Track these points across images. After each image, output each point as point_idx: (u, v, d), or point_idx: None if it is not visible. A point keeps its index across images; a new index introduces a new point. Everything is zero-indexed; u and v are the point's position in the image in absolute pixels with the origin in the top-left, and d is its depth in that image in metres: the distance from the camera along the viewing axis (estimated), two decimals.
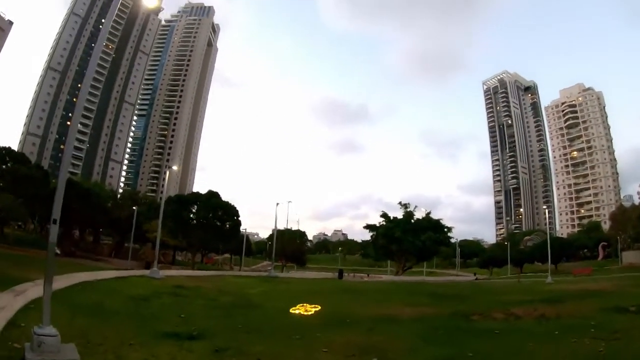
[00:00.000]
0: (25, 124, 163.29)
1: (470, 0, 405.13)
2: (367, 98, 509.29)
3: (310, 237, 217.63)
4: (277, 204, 68.97)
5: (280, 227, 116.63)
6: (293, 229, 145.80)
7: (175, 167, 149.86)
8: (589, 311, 21.01)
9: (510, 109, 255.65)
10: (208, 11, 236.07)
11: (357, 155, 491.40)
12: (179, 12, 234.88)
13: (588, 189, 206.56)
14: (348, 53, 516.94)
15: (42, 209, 68.70)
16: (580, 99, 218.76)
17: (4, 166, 74.46)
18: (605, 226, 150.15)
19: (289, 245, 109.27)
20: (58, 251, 51.61)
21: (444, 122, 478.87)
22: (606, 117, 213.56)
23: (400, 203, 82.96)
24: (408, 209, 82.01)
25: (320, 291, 33.04)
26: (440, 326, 17.04)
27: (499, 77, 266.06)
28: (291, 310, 19.85)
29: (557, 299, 27.78)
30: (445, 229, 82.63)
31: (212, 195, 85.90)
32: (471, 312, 21.57)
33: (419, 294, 33.17)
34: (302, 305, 19.23)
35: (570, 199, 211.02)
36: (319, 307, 19.72)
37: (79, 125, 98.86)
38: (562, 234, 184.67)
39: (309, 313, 20.19)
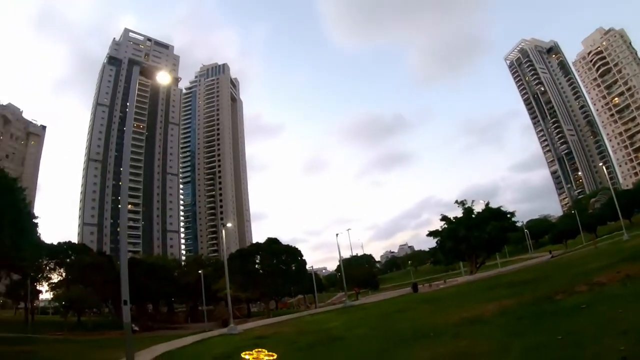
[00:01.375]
0: (79, 216, 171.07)
1: None
2: (400, 107, 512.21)
3: (377, 258, 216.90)
4: (337, 234, 69.52)
5: (346, 255, 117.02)
6: (359, 254, 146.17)
7: (229, 224, 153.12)
8: None
9: (539, 75, 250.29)
10: (223, 69, 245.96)
11: (405, 165, 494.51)
12: (196, 77, 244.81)
13: None
14: (368, 69, 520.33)
15: (113, 293, 70.71)
16: (604, 43, 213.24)
17: (68, 260, 77.03)
18: None
19: (358, 271, 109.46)
20: (136, 328, 53.23)
21: (481, 108, 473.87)
22: (636, 53, 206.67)
23: (457, 202, 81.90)
24: (466, 205, 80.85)
25: (398, 310, 32.68)
26: (525, 315, 16.65)
27: (519, 48, 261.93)
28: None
29: (639, 255, 26.75)
30: (508, 215, 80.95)
31: (272, 242, 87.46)
32: (553, 291, 21.04)
33: (498, 287, 32.50)
34: None
35: (626, 147, 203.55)
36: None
37: (128, 206, 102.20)
38: (627, 186, 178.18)
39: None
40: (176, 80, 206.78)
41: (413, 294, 56.66)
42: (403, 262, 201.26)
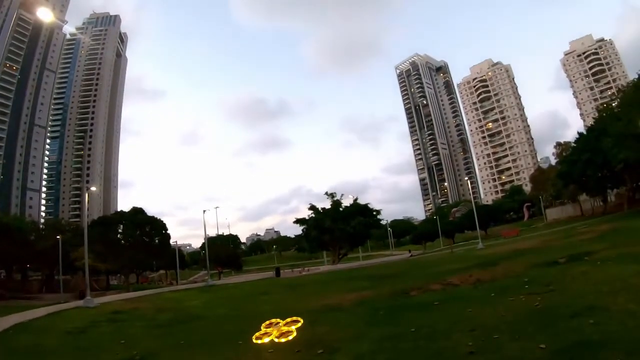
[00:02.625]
0: None
1: None
2: (287, 93, 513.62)
3: (243, 240, 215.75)
4: (205, 211, 66.67)
5: (212, 234, 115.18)
6: (225, 234, 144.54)
7: (94, 188, 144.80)
8: (522, 269, 22.13)
9: (424, 89, 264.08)
10: (114, 20, 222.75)
11: (282, 151, 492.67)
12: (84, 23, 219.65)
13: (506, 156, 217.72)
14: (264, 50, 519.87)
15: None
16: (490, 73, 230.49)
17: None
18: (527, 188, 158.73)
19: (223, 251, 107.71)
20: None
21: (364, 108, 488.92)
22: (516, 88, 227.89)
23: (326, 193, 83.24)
24: (335, 198, 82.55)
25: (261, 293, 32.85)
26: (382, 307, 17.45)
27: (410, 61, 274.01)
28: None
29: (491, 262, 28.92)
30: (374, 212, 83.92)
31: (137, 212, 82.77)
32: (410, 288, 22.22)
33: (358, 278, 33.67)
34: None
35: (491, 167, 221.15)
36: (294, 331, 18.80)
37: None
38: (487, 201, 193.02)
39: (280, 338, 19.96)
40: (61, 22, 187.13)
41: (275, 278, 57.01)
42: (268, 246, 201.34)
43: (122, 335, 19.18)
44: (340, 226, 77.16)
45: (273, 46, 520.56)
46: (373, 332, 12.59)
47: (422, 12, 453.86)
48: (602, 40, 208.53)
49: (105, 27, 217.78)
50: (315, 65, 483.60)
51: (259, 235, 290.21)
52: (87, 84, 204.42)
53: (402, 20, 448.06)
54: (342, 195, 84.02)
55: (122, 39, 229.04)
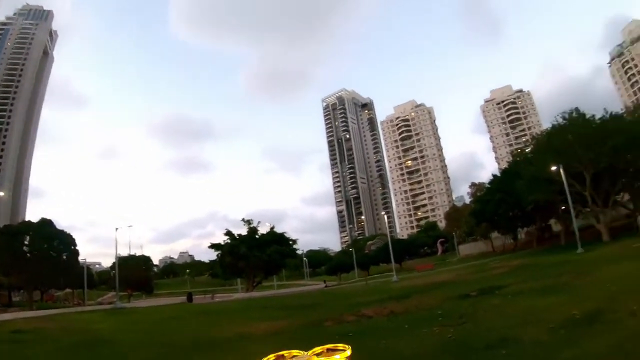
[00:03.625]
0: None
1: (320, 23, 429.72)
2: (214, 115, 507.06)
3: (156, 262, 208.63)
4: (117, 228, 63.06)
5: (123, 253, 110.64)
6: (137, 254, 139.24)
7: (2, 193, 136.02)
8: (435, 302, 22.36)
9: (348, 124, 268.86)
10: (47, 15, 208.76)
11: (202, 173, 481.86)
12: (15, 14, 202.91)
13: (423, 193, 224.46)
14: (196, 68, 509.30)
15: None
16: (413, 114, 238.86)
17: None
18: (441, 225, 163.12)
19: (134, 272, 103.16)
20: None
21: (289, 138, 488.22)
22: (436, 129, 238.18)
23: (243, 220, 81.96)
24: (252, 225, 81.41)
25: (173, 317, 31.39)
26: (295, 337, 16.99)
27: (337, 95, 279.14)
28: None
29: (405, 295, 29.16)
30: (290, 241, 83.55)
31: (45, 223, 76.87)
32: (324, 318, 21.84)
33: (272, 307, 33.05)
34: None
35: (408, 203, 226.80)
36: None
37: None
38: (402, 236, 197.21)
39: None
40: None
41: (188, 303, 55.07)
42: (181, 270, 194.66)
43: (22, 357, 17.63)
44: (256, 253, 76.05)
45: (206, 66, 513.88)
46: None
47: (354, 50, 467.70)
48: (520, 91, 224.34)
49: (37, 21, 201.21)
50: (246, 90, 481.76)
51: (172, 258, 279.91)
52: (9, 78, 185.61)
53: (335, 56, 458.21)
54: (259, 222, 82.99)
55: (52, 35, 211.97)
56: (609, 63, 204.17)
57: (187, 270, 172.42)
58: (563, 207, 61.07)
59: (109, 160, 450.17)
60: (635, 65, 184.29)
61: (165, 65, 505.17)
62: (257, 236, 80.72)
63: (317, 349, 6.51)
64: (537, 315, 13.73)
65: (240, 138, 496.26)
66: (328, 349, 6.48)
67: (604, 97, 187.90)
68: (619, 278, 18.81)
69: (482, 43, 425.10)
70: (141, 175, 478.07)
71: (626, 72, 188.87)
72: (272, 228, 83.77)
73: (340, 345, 6.76)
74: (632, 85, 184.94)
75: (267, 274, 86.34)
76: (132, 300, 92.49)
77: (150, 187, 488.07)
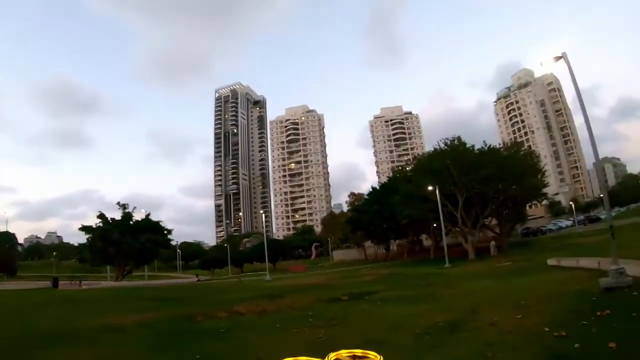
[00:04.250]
0: None
1: (231, 13, 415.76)
2: (104, 88, 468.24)
3: (21, 241, 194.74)
4: None
5: None
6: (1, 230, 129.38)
7: None
8: (307, 303, 22.91)
9: (238, 119, 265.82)
10: None
11: (80, 149, 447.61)
12: None
13: (303, 197, 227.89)
14: (92, 33, 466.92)
15: None
16: (303, 118, 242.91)
17: None
18: (318, 229, 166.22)
19: None
20: None
21: (177, 124, 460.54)
22: (324, 137, 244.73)
23: (118, 203, 78.09)
24: (127, 210, 77.94)
25: (36, 304, 29.23)
26: (166, 331, 16.65)
27: (232, 88, 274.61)
28: None
29: (277, 295, 29.59)
30: (165, 231, 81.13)
31: None
32: (195, 313, 21.60)
33: (142, 299, 31.90)
34: None
35: (287, 205, 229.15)
36: None
37: None
38: (278, 236, 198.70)
39: None
40: None
41: (53, 289, 51.74)
42: (48, 252, 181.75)
43: None
44: (129, 240, 72.83)
45: (103, 34, 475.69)
46: (156, 358, 11.93)
47: (259, 48, 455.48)
48: (409, 113, 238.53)
49: None
50: (140, 68, 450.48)
51: (39, 238, 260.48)
52: None
53: (239, 50, 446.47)
54: (135, 208, 79.39)
55: None
56: (495, 101, 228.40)
57: (55, 253, 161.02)
58: (435, 225, 64.81)
59: None
60: (518, 108, 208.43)
61: (58, 26, 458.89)
62: (131, 222, 77.44)
63: (344, 352, 6.39)
64: (404, 321, 14.55)
65: (127, 117, 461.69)
66: (356, 356, 6.35)
67: (486, 131, 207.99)
68: (480, 292, 20.36)
69: (381, 63, 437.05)
70: (13, 144, 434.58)
71: (509, 113, 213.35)
72: (147, 215, 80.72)
73: (371, 354, 6.64)
74: (512, 125, 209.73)
75: (138, 263, 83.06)
76: None
77: (22, 158, 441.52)
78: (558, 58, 17.46)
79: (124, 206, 78.11)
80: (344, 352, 6.64)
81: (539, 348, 8.84)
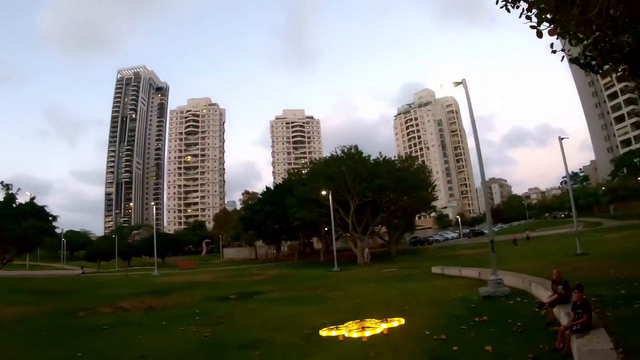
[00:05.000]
0: None
1: None
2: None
3: None
4: None
5: None
6: None
7: None
8: (195, 301, 23.05)
9: (138, 103, 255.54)
10: None
11: None
12: None
13: (197, 191, 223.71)
14: None
15: None
16: (204, 111, 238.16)
17: None
18: (210, 226, 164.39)
19: None
20: None
21: (73, 102, 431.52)
22: (223, 132, 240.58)
23: (1, 183, 73.19)
24: (10, 191, 72.99)
25: None
26: (46, 326, 16.28)
27: (135, 70, 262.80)
28: None
29: (165, 291, 29.37)
30: (50, 217, 76.88)
31: None
32: (78, 308, 21.28)
33: (22, 291, 30.57)
34: None
35: (180, 198, 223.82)
36: None
37: None
38: (169, 230, 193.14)
39: None
40: None
41: None
42: None
43: None
44: (10, 225, 68.13)
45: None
46: (34, 355, 11.64)
47: (171, 33, 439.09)
48: (311, 117, 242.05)
49: None
50: (40, 35, 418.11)
51: None
52: None
53: (150, 31, 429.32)
54: (19, 190, 74.26)
55: None
56: (395, 116, 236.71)
57: None
58: (326, 229, 66.14)
59: None
60: (417, 124, 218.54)
61: None
62: (14, 205, 72.69)
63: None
64: (292, 320, 15.14)
65: (20, 87, 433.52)
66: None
67: (384, 143, 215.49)
68: (366, 295, 21.41)
69: (289, 66, 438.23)
70: None
71: (407, 128, 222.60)
72: (32, 199, 75.78)
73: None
74: (409, 140, 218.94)
75: (20, 251, 77.43)
76: None
77: None
78: (457, 83, 18.64)
79: (7, 187, 73.00)
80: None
81: (419, 350, 9.52)
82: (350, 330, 6.01)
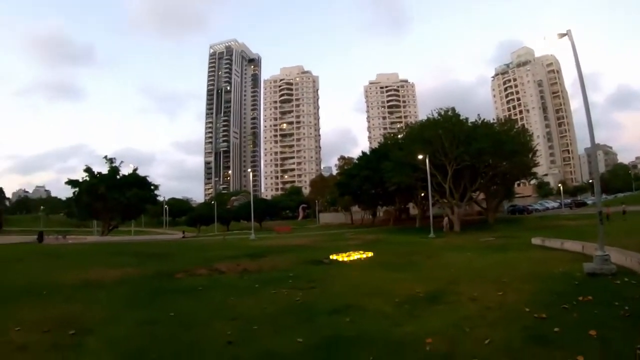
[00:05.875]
0: None
1: None
2: (95, 39, 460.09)
3: (9, 195, 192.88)
4: None
5: None
6: None
7: None
8: (288, 264, 22.85)
9: (231, 76, 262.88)
10: None
11: (72, 101, 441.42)
12: None
13: (293, 157, 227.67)
14: None
15: None
16: (297, 79, 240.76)
17: None
18: (306, 191, 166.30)
19: None
20: None
21: (170, 79, 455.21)
22: (317, 99, 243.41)
23: (105, 157, 77.27)
24: (114, 164, 77.11)
25: (16, 259, 28.70)
26: (144, 287, 16.47)
27: (226, 44, 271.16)
28: None
29: (260, 254, 29.57)
30: (152, 187, 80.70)
31: None
32: (176, 270, 21.53)
33: (124, 254, 31.69)
34: None
35: (276, 165, 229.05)
36: None
37: None
38: (267, 196, 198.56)
39: None
40: None
41: (38, 243, 51.10)
42: (36, 206, 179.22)
43: None
44: (115, 195, 72.38)
45: None
46: (130, 314, 11.66)
47: (256, 3, 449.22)
48: (405, 81, 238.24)
49: None
50: (133, 19, 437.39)
51: (27, 192, 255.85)
52: None
53: (235, 4, 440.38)
54: (122, 162, 78.67)
55: None
56: (492, 77, 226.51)
57: (42, 207, 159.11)
58: (422, 194, 64.83)
59: None
60: (515, 86, 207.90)
61: None
62: (118, 176, 76.87)
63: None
64: (384, 287, 14.40)
65: (120, 70, 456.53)
66: None
67: (481, 106, 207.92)
68: (462, 264, 20.24)
69: (381, 30, 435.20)
70: (1, 92, 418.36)
71: (505, 90, 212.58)
72: (135, 170, 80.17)
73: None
74: (508, 102, 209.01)
75: (124, 218, 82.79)
76: None
77: (10, 109, 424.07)
78: (562, 35, 17.01)
79: (111, 160, 77.47)
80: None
81: (517, 327, 8.67)
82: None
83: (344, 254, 25.83)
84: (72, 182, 76.31)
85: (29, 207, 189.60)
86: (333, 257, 25.20)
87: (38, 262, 26.96)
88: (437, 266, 20.44)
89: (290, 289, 14.81)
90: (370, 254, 26.21)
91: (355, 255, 25.45)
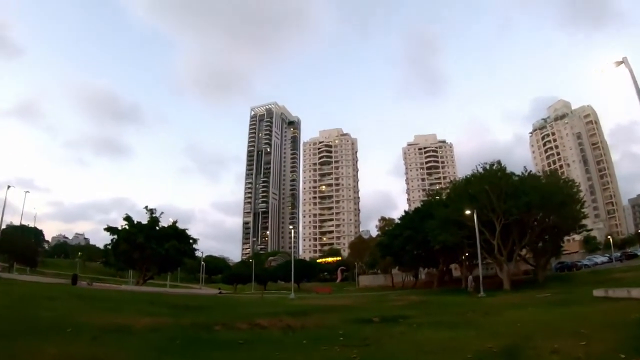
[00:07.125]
0: None
1: (271, 31, 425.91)
2: (141, 99, 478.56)
3: (48, 238, 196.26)
4: (9, 187, 56.17)
5: (15, 222, 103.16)
6: (30, 225, 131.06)
7: None
8: (334, 322, 21.32)
9: (271, 138, 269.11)
10: None
11: (117, 157, 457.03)
12: None
13: (332, 220, 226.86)
14: (135, 46, 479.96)
15: None
16: (337, 141, 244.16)
17: None
18: (344, 253, 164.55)
19: (21, 243, 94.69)
20: None
21: (212, 139, 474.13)
22: (356, 161, 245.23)
23: (146, 207, 77.11)
24: (154, 215, 77.09)
25: (46, 296, 28.14)
26: (179, 337, 15.26)
27: (267, 107, 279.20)
28: None
29: (302, 312, 28.24)
30: (191, 240, 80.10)
31: None
32: (214, 322, 20.34)
33: (159, 304, 30.89)
34: None
35: (315, 227, 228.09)
36: None
37: None
38: (304, 258, 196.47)
39: None
40: None
41: (71, 285, 51.08)
42: (74, 252, 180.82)
43: None
44: (153, 245, 71.91)
45: (144, 44, 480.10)
46: None
47: (297, 67, 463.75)
48: (443, 141, 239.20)
49: None
50: (179, 81, 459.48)
51: (66, 238, 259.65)
52: None
53: (276, 68, 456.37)
54: (162, 213, 78.53)
55: None
56: (530, 133, 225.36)
57: (79, 253, 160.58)
58: (467, 253, 62.61)
59: (22, 118, 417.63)
60: (554, 140, 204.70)
61: (104, 35, 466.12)
62: (157, 227, 76.60)
63: None
64: (448, 344, 13.10)
65: (164, 129, 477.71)
66: None
67: (519, 163, 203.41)
68: (527, 320, 18.78)
69: (416, 92, 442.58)
70: (51, 143, 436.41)
71: (544, 144, 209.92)
72: (174, 222, 79.91)
73: None
74: (547, 157, 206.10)
75: (161, 269, 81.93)
76: (13, 272, 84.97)
77: (59, 159, 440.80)
78: (619, 63, 15.97)
79: (151, 211, 77.38)
80: None
81: None
82: None
83: None
84: (111, 229, 75.65)
85: (67, 252, 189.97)
86: None
87: (69, 301, 26.60)
88: (500, 322, 18.90)
89: (342, 346, 13.50)
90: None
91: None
